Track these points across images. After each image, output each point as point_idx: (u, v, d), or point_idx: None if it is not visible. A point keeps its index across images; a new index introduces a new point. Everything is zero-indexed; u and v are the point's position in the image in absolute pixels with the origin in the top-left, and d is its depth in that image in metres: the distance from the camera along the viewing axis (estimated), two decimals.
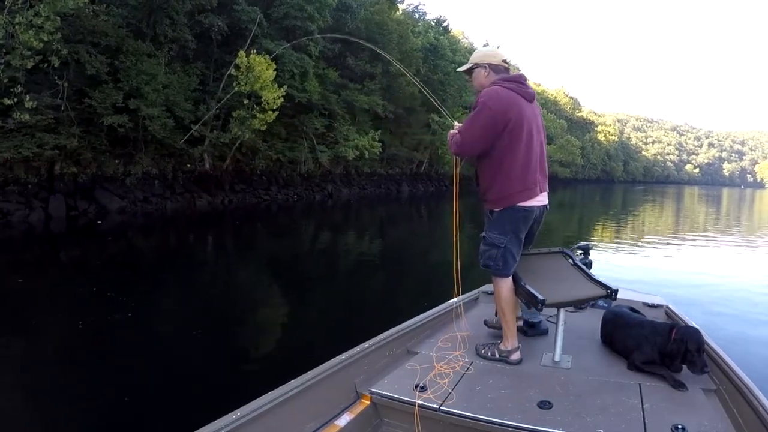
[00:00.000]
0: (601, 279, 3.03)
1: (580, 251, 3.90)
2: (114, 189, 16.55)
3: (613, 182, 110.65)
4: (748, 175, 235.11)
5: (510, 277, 2.89)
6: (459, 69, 3.05)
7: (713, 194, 73.56)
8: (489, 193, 2.82)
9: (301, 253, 11.71)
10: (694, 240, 15.95)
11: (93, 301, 6.47)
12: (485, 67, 2.85)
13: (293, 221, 18.22)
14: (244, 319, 6.39)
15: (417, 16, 43.63)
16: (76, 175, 15.70)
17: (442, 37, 39.85)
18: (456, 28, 59.12)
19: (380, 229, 17.00)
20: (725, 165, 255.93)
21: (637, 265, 10.69)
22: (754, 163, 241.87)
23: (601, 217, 24.35)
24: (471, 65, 2.91)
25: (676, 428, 2.12)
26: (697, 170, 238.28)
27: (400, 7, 39.10)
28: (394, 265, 10.39)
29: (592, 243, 3.90)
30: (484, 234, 2.89)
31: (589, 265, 3.72)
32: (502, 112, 2.64)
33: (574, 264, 3.26)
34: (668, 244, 14.56)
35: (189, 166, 20.01)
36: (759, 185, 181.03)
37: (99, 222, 14.02)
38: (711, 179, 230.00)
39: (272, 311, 6.92)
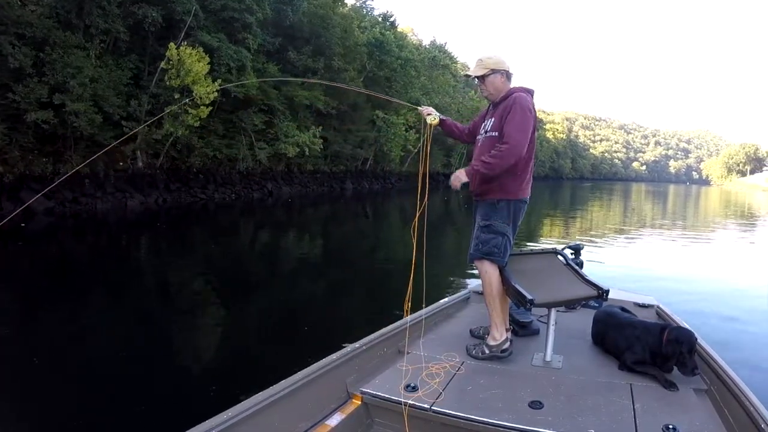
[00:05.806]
0: (592, 279, 3.17)
1: (572, 251, 4.06)
2: (41, 189, 16.46)
3: (562, 179, 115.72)
4: (694, 173, 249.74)
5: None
6: (472, 73, 3.20)
7: (660, 191, 78.21)
8: (499, 183, 3.07)
9: (247, 256, 12.19)
10: (657, 236, 17.26)
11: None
12: (503, 73, 3.14)
13: (234, 221, 18.69)
14: (198, 327, 6.38)
15: (365, 11, 44.53)
16: (2, 174, 15.71)
17: (388, 32, 40.84)
18: (405, 25, 60.37)
19: (323, 229, 17.64)
20: (671, 163, 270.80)
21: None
22: (700, 160, 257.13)
23: (548, 215, 25.31)
24: (488, 71, 3.13)
25: (667, 428, 2.20)
26: (644, 167, 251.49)
27: (348, 1, 39.83)
28: (341, 264, 11.11)
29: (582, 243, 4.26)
30: (488, 223, 3.09)
31: (581, 265, 3.88)
32: (535, 116, 3.08)
33: (566, 264, 3.40)
34: (624, 240, 15.51)
35: (121, 164, 20.06)
36: (704, 182, 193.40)
37: (23, 225, 13.99)
38: (658, 176, 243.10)
39: (227, 318, 6.91)
